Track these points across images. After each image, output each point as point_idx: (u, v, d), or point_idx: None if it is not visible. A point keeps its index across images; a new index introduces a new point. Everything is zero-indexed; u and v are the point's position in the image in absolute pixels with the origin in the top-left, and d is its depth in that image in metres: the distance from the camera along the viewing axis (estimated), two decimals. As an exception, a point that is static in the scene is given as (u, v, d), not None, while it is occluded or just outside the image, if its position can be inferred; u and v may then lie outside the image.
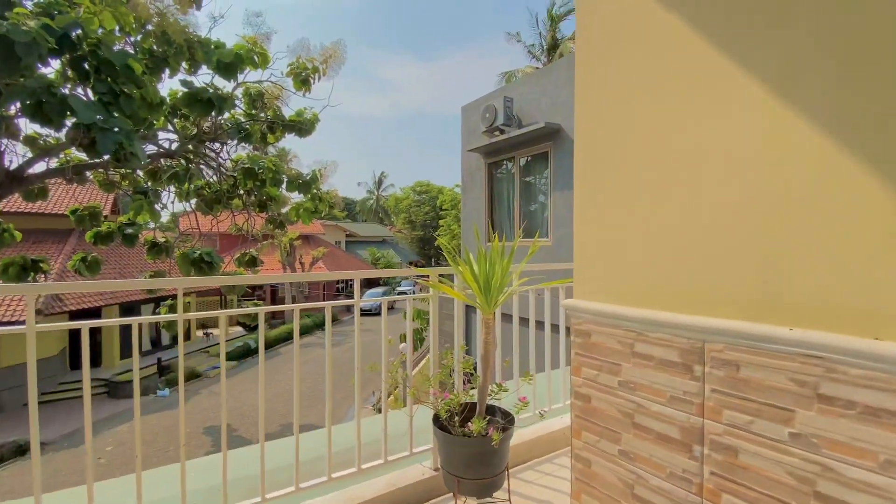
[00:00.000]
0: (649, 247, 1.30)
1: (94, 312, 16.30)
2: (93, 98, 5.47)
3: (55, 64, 5.36)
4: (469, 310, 9.57)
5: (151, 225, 9.08)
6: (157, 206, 8.26)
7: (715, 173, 1.15)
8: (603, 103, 1.45)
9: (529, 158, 8.18)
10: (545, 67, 7.91)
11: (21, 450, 11.52)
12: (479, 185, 9.25)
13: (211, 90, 6.96)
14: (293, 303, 30.66)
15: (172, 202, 9.13)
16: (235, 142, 8.59)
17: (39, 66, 4.62)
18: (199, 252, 7.60)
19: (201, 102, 6.98)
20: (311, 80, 8.13)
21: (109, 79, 5.35)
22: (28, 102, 4.59)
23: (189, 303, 14.75)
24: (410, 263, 53.29)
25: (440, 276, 2.40)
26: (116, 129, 5.16)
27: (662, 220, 1.27)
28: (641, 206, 1.33)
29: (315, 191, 8.83)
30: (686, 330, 1.19)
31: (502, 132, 8.25)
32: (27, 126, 6.44)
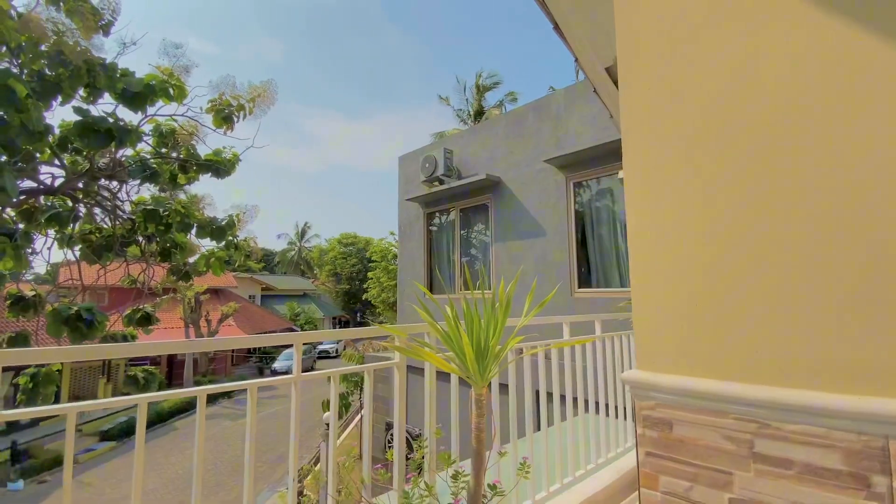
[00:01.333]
0: (774, 290, 0.91)
1: (-81, 387, 12.77)
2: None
3: None
4: (412, 370, 8.80)
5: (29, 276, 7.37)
6: (30, 253, 6.72)
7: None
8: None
9: (469, 210, 8.04)
10: (485, 121, 8.01)
11: None
12: (418, 235, 8.89)
13: (111, 120, 6.00)
14: (194, 368, 27.00)
15: (50, 248, 7.56)
16: (138, 182, 7.46)
17: None
18: (75, 308, 6.18)
19: (98, 133, 5.95)
20: (235, 119, 7.43)
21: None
22: None
23: (59, 371, 11.97)
24: (334, 318, 50.63)
25: (411, 337, 1.86)
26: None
27: (798, 244, 0.89)
28: (758, 226, 0.94)
29: (230, 238, 7.83)
30: (854, 419, 0.78)
31: (441, 183, 8.09)
32: None
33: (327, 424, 11.03)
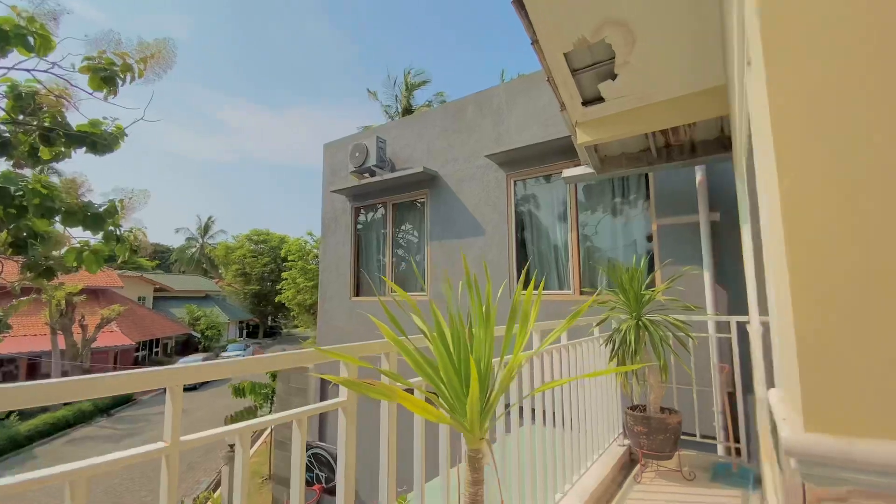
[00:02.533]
0: None
1: None
2: None
3: None
4: (324, 384, 7.96)
5: None
6: None
7: None
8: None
9: (403, 205, 7.46)
10: (423, 112, 7.51)
11: None
12: (344, 231, 8.09)
13: None
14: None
15: None
16: (-18, 153, 5.82)
17: None
18: None
19: None
20: (120, 81, 6.10)
21: None
22: None
23: None
24: (242, 323, 46.63)
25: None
26: None
27: None
28: None
29: (111, 228, 6.44)
30: None
31: (373, 174, 7.43)
32: None
33: (231, 445, 9.68)
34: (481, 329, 1.11)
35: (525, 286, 5.82)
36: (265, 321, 50.44)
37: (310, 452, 6.38)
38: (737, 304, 4.36)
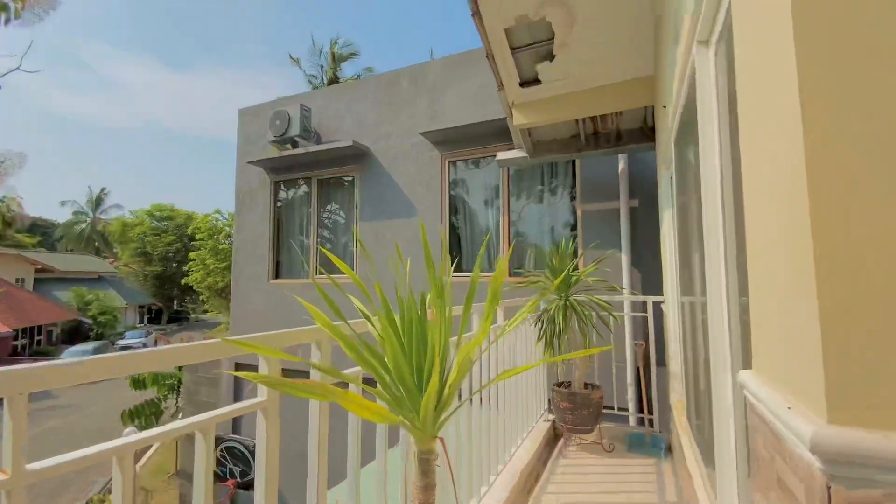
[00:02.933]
0: None
1: None
2: None
3: None
4: (240, 368, 7.37)
5: None
6: None
7: None
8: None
9: (329, 181, 7.02)
10: (351, 81, 7.08)
11: None
12: (262, 206, 7.44)
13: None
14: None
15: None
16: None
17: None
18: None
19: None
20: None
21: None
22: None
23: None
24: (142, 308, 42.09)
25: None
26: None
27: None
28: None
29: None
30: None
31: (295, 145, 6.87)
32: None
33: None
34: (438, 310, 0.97)
35: (455, 269, 5.77)
36: (170, 305, 46.00)
37: (222, 446, 5.89)
38: (649, 285, 4.67)
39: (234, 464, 5.66)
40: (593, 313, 3.38)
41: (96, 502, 10.07)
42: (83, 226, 47.23)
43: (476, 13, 3.38)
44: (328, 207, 7.07)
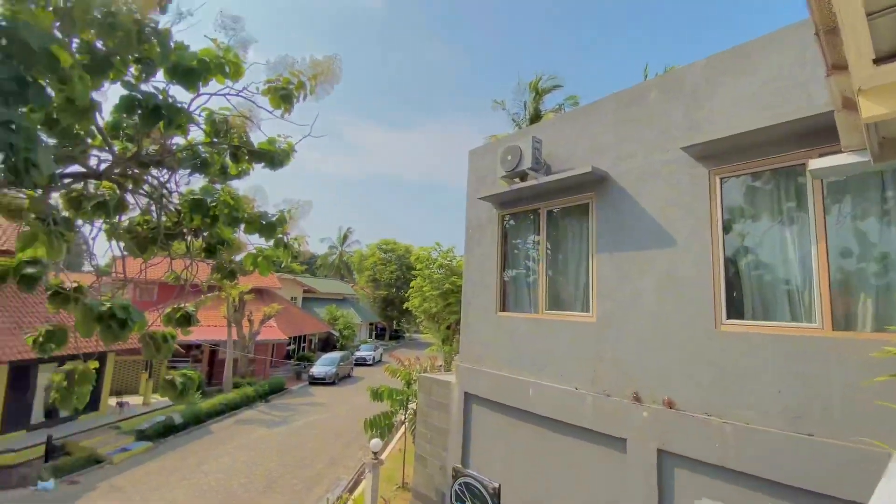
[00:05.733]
0: None
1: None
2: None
3: None
4: (469, 398, 7.46)
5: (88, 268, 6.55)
6: (83, 244, 5.90)
7: None
8: None
9: (560, 211, 6.65)
10: (587, 105, 6.65)
11: None
12: (490, 240, 7.58)
13: (160, 97, 5.09)
14: (234, 368, 26.85)
15: (94, 238, 6.83)
16: (188, 172, 6.58)
17: None
18: (108, 305, 5.29)
19: (146, 111, 5.03)
20: (295, 99, 6.40)
21: (20, 64, 3.40)
22: None
23: (96, 369, 11.33)
24: (371, 325, 50.07)
25: None
26: (13, 126, 3.12)
27: None
28: None
29: (280, 236, 6.82)
30: None
31: (524, 178, 6.77)
32: None
33: (375, 453, 9.80)
34: None
35: (731, 314, 4.53)
36: (391, 325, 53.40)
37: (461, 481, 5.88)
38: None
39: (473, 501, 5.54)
40: None
41: (343, 501, 11.61)
42: (334, 257, 59.57)
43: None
44: (558, 238, 6.68)
